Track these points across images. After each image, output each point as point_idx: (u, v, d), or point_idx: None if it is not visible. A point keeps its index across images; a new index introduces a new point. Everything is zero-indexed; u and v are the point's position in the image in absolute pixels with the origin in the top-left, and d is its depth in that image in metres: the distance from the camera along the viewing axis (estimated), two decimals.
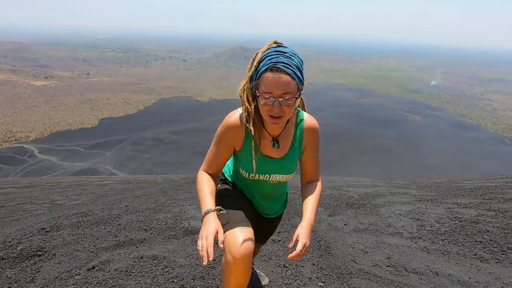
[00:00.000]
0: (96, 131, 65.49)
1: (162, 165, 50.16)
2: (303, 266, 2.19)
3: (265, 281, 1.91)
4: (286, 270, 2.12)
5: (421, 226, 2.83)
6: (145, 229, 2.85)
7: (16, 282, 1.67)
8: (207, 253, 1.02)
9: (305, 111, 1.30)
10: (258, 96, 1.08)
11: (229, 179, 1.43)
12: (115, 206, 4.04)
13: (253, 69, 1.09)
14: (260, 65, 1.07)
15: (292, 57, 1.05)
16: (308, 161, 1.32)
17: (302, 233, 1.15)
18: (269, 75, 1.03)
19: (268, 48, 1.09)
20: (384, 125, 72.44)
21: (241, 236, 1.12)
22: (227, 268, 1.12)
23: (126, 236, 2.62)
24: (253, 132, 1.17)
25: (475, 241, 2.27)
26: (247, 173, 1.28)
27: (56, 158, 52.55)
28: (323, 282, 1.95)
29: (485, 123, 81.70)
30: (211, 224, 1.10)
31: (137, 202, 4.32)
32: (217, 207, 1.19)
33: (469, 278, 1.79)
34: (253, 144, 1.20)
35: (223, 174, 1.47)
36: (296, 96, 1.07)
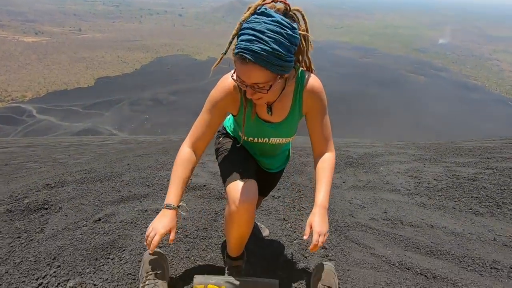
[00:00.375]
0: (93, 91, 64.28)
1: (161, 126, 50.15)
2: (302, 220, 2.26)
3: (265, 232, 1.98)
4: (286, 223, 2.20)
5: (419, 183, 2.89)
6: (148, 185, 2.91)
7: (25, 232, 1.72)
8: (151, 246, 1.03)
9: (311, 70, 1.14)
10: (232, 76, 0.98)
11: (231, 134, 1.40)
12: (117, 164, 4.07)
13: (228, 43, 0.92)
14: (234, 40, 0.91)
15: (268, 40, 0.84)
16: (314, 128, 1.20)
17: (315, 221, 1.08)
18: (238, 62, 0.89)
19: (249, 17, 0.89)
20: (386, 86, 71.03)
21: (244, 187, 1.12)
22: (230, 218, 1.14)
23: (130, 191, 2.67)
24: (244, 103, 1.09)
25: (471, 197, 2.33)
26: (246, 137, 1.23)
27: (55, 118, 52.29)
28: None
29: (490, 84, 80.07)
30: (165, 222, 1.07)
31: (138, 161, 4.36)
32: (180, 204, 1.12)
33: (463, 230, 1.86)
34: (244, 112, 1.13)
35: (225, 128, 1.44)
36: (271, 84, 0.93)
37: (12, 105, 55.78)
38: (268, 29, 0.84)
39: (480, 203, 2.21)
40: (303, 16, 0.95)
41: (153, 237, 1.03)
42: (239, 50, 0.86)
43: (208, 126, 1.16)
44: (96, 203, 2.31)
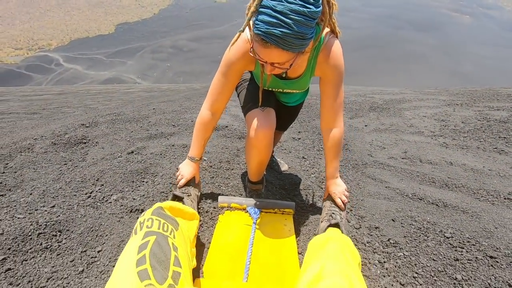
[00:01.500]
0: (114, 38, 63.77)
1: (183, 74, 49.94)
2: (320, 158, 2.34)
3: (284, 167, 2.09)
4: (305, 161, 2.28)
5: (445, 126, 2.81)
6: (173, 125, 3.06)
7: (70, 160, 1.94)
8: (179, 184, 1.30)
9: (335, 32, 1.05)
10: (251, 49, 0.92)
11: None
12: (143, 108, 4.25)
13: (246, 20, 0.87)
14: (253, 20, 0.83)
15: (292, 22, 0.77)
16: (324, 96, 1.16)
17: (331, 189, 1.27)
18: (259, 44, 0.84)
19: None
20: (423, 28, 64.13)
21: (263, 115, 1.17)
22: (250, 144, 1.22)
23: (157, 130, 2.84)
24: (261, 68, 1.07)
25: (498, 137, 2.25)
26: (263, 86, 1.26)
27: (81, 67, 53.43)
28: (340, 170, 2.10)
29: None
30: (190, 169, 1.31)
31: (163, 106, 4.52)
32: (203, 158, 1.34)
33: (483, 167, 1.85)
34: (261, 77, 1.13)
35: None
36: (292, 62, 0.89)
37: (40, 54, 57.21)
38: (291, 10, 0.76)
39: (507, 143, 2.15)
40: None
41: (181, 180, 1.30)
42: (260, 33, 0.81)
43: (225, 88, 1.17)
44: (128, 139, 2.50)
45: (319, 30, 0.99)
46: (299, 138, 2.89)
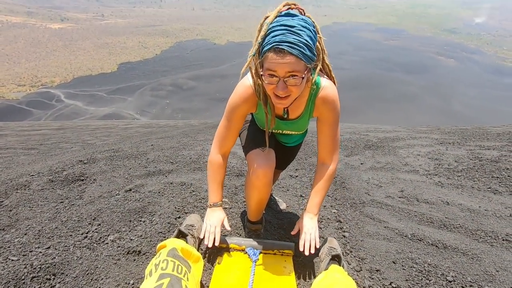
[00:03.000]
0: (116, 76, 66.08)
1: (182, 111, 51.04)
2: None
3: (282, 206, 2.09)
4: (303, 199, 2.29)
5: (439, 165, 2.87)
6: (172, 162, 3.08)
7: (67, 198, 1.93)
8: (213, 239, 1.21)
9: (331, 77, 1.16)
10: (262, 75, 0.99)
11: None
12: (141, 145, 4.30)
13: (257, 45, 0.96)
14: (264, 41, 0.94)
15: (300, 32, 0.90)
16: (322, 135, 1.24)
17: (303, 222, 1.24)
18: (272, 55, 0.92)
19: (275, 18, 0.94)
20: (412, 70, 67.70)
21: (263, 155, 1.22)
22: (251, 182, 1.25)
23: (155, 167, 2.85)
24: (264, 107, 1.14)
25: (491, 177, 2.30)
26: (261, 127, 1.34)
27: (81, 103, 54.53)
28: (336, 210, 2.10)
29: None
30: (217, 215, 1.27)
31: (161, 142, 4.58)
32: (223, 200, 1.32)
33: (479, 207, 1.86)
34: (266, 119, 1.18)
35: None
36: (304, 76, 0.95)
37: (42, 90, 58.64)
38: (298, 24, 0.91)
39: (500, 182, 2.19)
40: (313, 22, 0.98)
41: (214, 230, 1.23)
42: (275, 43, 0.90)
43: (230, 131, 1.25)
44: (126, 176, 2.50)
45: (314, 73, 1.08)
46: (297, 176, 2.92)
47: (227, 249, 1.34)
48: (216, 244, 1.20)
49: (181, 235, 1.19)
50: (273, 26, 0.92)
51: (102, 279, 1.10)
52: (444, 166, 2.78)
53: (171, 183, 2.27)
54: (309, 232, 1.20)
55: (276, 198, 2.14)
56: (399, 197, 2.19)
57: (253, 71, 1.05)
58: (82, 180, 2.38)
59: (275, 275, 1.21)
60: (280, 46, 0.89)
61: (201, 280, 1.16)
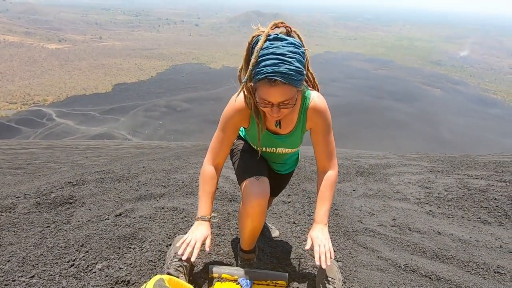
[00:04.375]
0: (110, 97, 66.33)
1: (174, 133, 51.00)
2: (311, 224, 2.33)
3: (275, 233, 2.06)
4: (296, 226, 2.27)
5: (429, 193, 2.91)
6: (164, 186, 3.04)
7: (54, 222, 1.87)
8: (191, 253, 1.13)
9: (316, 88, 1.22)
10: (256, 101, 1.06)
11: (243, 137, 1.51)
12: (133, 166, 4.25)
13: (248, 71, 0.99)
14: (256, 69, 0.96)
15: (291, 60, 0.93)
16: (317, 144, 1.27)
17: (314, 234, 1.21)
18: (265, 86, 0.97)
19: (264, 43, 0.95)
20: (401, 98, 70.09)
21: (257, 183, 1.23)
22: (245, 211, 1.25)
23: (147, 190, 2.81)
24: (256, 118, 1.18)
25: (480, 207, 2.34)
26: (254, 146, 1.36)
27: (73, 122, 54.08)
28: (330, 238, 2.09)
29: (510, 98, 77.75)
30: (202, 230, 1.21)
31: (153, 164, 4.54)
32: (212, 214, 1.29)
33: (470, 237, 1.88)
34: (258, 129, 1.22)
35: (239, 132, 1.55)
36: (296, 98, 1.03)
37: (33, 109, 58.14)
38: (288, 51, 0.93)
39: (489, 213, 2.23)
40: (298, 36, 1.02)
41: (193, 244, 1.15)
42: (267, 74, 0.93)
43: (224, 143, 1.27)
44: (116, 200, 2.45)
45: (304, 85, 1.15)
46: (289, 202, 2.90)
47: (219, 279, 1.30)
48: (192, 259, 1.12)
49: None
50: (264, 54, 0.94)
51: None
52: (434, 195, 2.82)
53: (163, 208, 2.23)
54: (322, 243, 1.18)
55: (268, 225, 2.11)
56: (392, 226, 2.20)
57: (244, 90, 1.09)
58: (71, 203, 2.32)
59: None
60: (273, 77, 0.93)
61: None
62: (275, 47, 0.94)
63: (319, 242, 1.18)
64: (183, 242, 1.16)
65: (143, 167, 4.20)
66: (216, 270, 1.32)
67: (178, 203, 2.43)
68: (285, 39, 0.96)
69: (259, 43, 0.95)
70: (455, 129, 55.30)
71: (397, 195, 3.01)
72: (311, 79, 1.19)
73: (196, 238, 1.17)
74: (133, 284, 1.23)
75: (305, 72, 1.00)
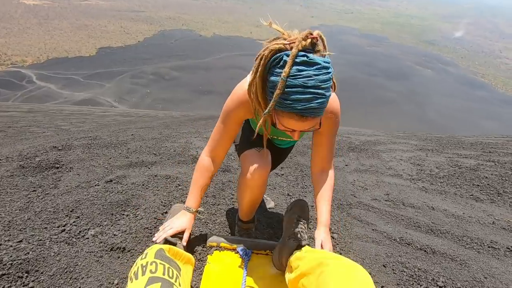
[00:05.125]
0: (94, 61, 63.25)
1: (163, 101, 49.79)
2: (305, 196, 2.33)
3: (271, 204, 2.05)
4: (290, 198, 2.26)
5: (421, 170, 2.94)
6: (155, 154, 2.95)
7: (40, 187, 1.77)
8: (162, 235, 1.08)
9: (334, 87, 1.06)
10: (275, 123, 0.93)
11: None
12: (121, 134, 4.11)
13: (271, 102, 0.83)
14: (281, 101, 0.82)
15: (324, 91, 0.80)
16: (320, 145, 1.19)
17: (325, 240, 1.12)
18: (293, 119, 0.84)
19: (291, 69, 0.78)
20: (392, 77, 70.18)
21: (258, 155, 1.16)
22: (244, 183, 1.19)
23: (138, 158, 2.72)
24: (263, 127, 1.06)
25: (472, 185, 2.39)
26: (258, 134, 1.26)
27: (55, 86, 51.71)
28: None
29: (496, 82, 79.23)
30: (182, 222, 1.15)
31: (142, 132, 4.40)
32: (199, 209, 1.22)
33: (463, 213, 1.92)
34: (265, 130, 1.11)
35: None
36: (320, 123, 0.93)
37: (11, 70, 54.96)
38: (321, 81, 0.78)
39: (481, 190, 2.28)
40: (323, 41, 0.86)
41: (168, 230, 1.10)
42: (298, 111, 0.81)
43: (225, 136, 1.16)
44: (106, 166, 2.35)
45: None
46: (282, 174, 2.89)
47: (218, 248, 1.28)
48: (158, 241, 1.06)
49: (168, 243, 1.09)
50: (292, 85, 0.78)
51: (83, 277, 1.00)
52: (426, 172, 2.86)
53: (156, 176, 2.16)
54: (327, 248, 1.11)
55: (264, 196, 2.09)
56: (385, 200, 2.22)
57: (255, 101, 0.93)
58: (57, 167, 2.21)
59: (268, 276, 1.16)
60: (306, 115, 0.82)
61: (191, 282, 1.09)
62: (306, 77, 0.77)
63: (329, 249, 1.11)
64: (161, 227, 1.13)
65: (132, 134, 4.07)
66: (215, 239, 1.29)
67: (171, 171, 2.36)
68: (316, 64, 0.78)
69: (286, 69, 0.77)
70: (441, 110, 56.45)
71: (390, 171, 3.04)
72: (332, 83, 1.07)
73: (172, 226, 1.13)
74: (129, 251, 1.18)
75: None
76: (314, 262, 0.89)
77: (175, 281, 0.70)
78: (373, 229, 1.77)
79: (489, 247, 1.50)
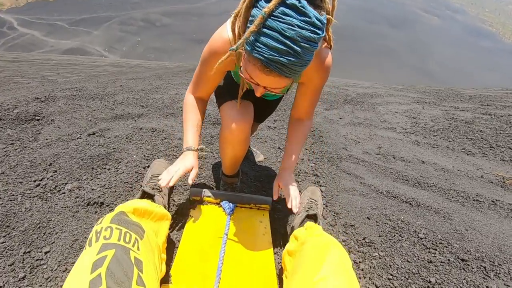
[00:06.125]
0: (78, 4, 58.54)
1: (155, 51, 47.46)
2: None
3: (260, 158, 2.01)
4: (281, 151, 2.22)
5: (415, 124, 2.89)
6: (142, 106, 2.84)
7: (19, 140, 1.70)
8: (170, 180, 0.96)
9: (330, 46, 0.94)
10: (240, 67, 0.82)
11: None
12: (109, 85, 3.92)
13: (242, 39, 0.71)
14: (252, 41, 0.70)
15: (302, 50, 0.67)
16: (302, 99, 1.11)
17: (284, 181, 1.08)
18: (257, 68, 0.73)
19: (275, 7, 0.65)
20: (395, 24, 66.47)
21: (240, 108, 1.07)
22: (225, 138, 1.12)
23: (123, 110, 2.61)
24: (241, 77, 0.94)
25: (466, 138, 2.35)
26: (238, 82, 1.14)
27: (39, 33, 48.55)
28: (314, 163, 2.07)
29: (504, 31, 75.67)
30: (188, 160, 1.04)
31: (132, 83, 4.21)
32: (200, 146, 1.10)
33: (453, 167, 1.91)
34: (240, 87, 1.01)
35: None
36: (289, 85, 0.81)
37: None
38: (302, 37, 0.65)
39: (473, 144, 2.25)
40: (328, 12, 0.74)
41: (174, 173, 0.99)
42: (263, 58, 0.69)
43: (204, 78, 1.06)
44: (89, 119, 2.26)
45: None
46: (275, 127, 2.82)
47: (201, 202, 1.26)
48: (170, 184, 0.98)
49: (146, 196, 1.04)
50: (269, 28, 0.66)
51: (57, 233, 0.98)
52: (421, 125, 2.81)
53: (141, 129, 2.08)
54: (292, 188, 1.08)
55: (253, 149, 2.05)
56: (376, 154, 2.19)
57: (236, 31, 0.82)
58: (38, 120, 2.11)
59: (251, 230, 1.16)
60: (270, 67, 0.70)
61: (169, 236, 1.08)
62: (288, 24, 0.64)
63: (290, 187, 1.07)
64: (164, 172, 1.02)
65: (121, 85, 3.89)
66: (198, 192, 1.26)
67: (157, 124, 2.28)
68: (305, 14, 0.64)
69: (270, 5, 0.64)
70: (442, 61, 54.77)
71: (384, 124, 2.98)
72: (328, 40, 0.92)
73: (179, 167, 1.02)
74: (107, 205, 1.16)
75: (311, 59, 0.74)
76: (298, 242, 0.92)
77: (133, 246, 0.66)
78: (361, 182, 1.76)
79: (474, 200, 1.51)
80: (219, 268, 0.92)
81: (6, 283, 0.79)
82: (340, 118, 3.26)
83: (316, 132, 2.76)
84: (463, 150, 2.17)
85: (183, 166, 1.01)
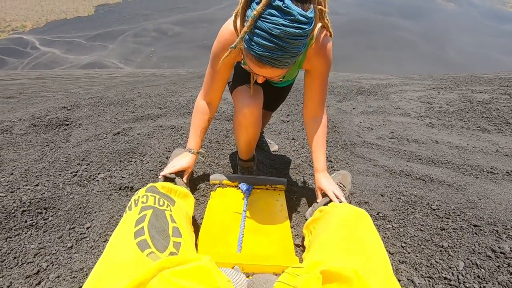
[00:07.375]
0: (94, 21, 61.01)
1: (168, 59, 48.63)
2: None
3: (274, 148, 2.09)
4: (295, 142, 2.29)
5: (430, 108, 2.87)
6: (160, 108, 2.99)
7: (52, 142, 1.86)
8: (166, 171, 1.13)
9: (330, 33, 1.00)
10: (242, 58, 0.91)
11: None
12: (128, 92, 4.13)
13: (238, 38, 0.81)
14: (247, 40, 0.80)
15: (290, 46, 0.76)
16: (311, 89, 1.16)
17: (324, 184, 1.16)
18: (253, 62, 0.83)
19: (263, 9, 0.73)
20: (409, 15, 64.61)
21: (249, 93, 1.16)
22: (238, 121, 1.21)
23: (143, 112, 2.76)
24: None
25: (481, 117, 2.32)
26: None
27: (59, 50, 51.01)
28: (328, 151, 2.12)
29: None
30: (183, 161, 1.19)
31: (148, 90, 4.40)
32: (200, 150, 1.23)
33: (467, 144, 1.91)
34: (252, 75, 1.09)
35: None
36: (285, 73, 0.90)
37: (14, 36, 54.09)
38: (286, 33, 0.73)
39: (489, 122, 2.22)
40: (315, 10, 0.79)
41: (172, 169, 1.15)
42: (255, 54, 0.79)
43: (215, 78, 1.15)
44: (113, 121, 2.42)
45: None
46: (288, 121, 2.89)
47: (221, 185, 1.35)
48: (163, 174, 1.14)
49: (168, 180, 1.15)
50: (258, 28, 0.75)
51: (95, 212, 1.10)
52: (436, 109, 2.78)
53: (160, 126, 2.22)
54: (335, 192, 1.15)
55: (268, 140, 2.13)
56: (390, 138, 2.21)
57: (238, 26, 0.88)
58: (67, 124, 2.30)
59: (268, 207, 1.24)
60: (263, 61, 0.80)
61: (194, 215, 1.18)
62: (274, 24, 0.72)
63: (332, 189, 1.15)
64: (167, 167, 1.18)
65: (138, 92, 4.08)
66: (217, 177, 1.35)
67: (176, 122, 2.41)
68: (289, 14, 0.71)
69: (258, 8, 0.72)
70: (463, 48, 52.65)
71: (398, 110, 2.97)
72: (327, 28, 0.98)
73: (175, 165, 1.17)
74: (136, 189, 1.28)
75: (303, 49, 0.82)
76: (322, 212, 0.99)
77: (166, 208, 0.77)
78: (374, 165, 1.80)
79: (488, 172, 1.51)
80: (240, 238, 1.01)
81: (57, 251, 0.92)
82: (353, 109, 3.28)
83: (329, 123, 2.80)
84: (478, 128, 2.15)
85: (179, 165, 1.17)
